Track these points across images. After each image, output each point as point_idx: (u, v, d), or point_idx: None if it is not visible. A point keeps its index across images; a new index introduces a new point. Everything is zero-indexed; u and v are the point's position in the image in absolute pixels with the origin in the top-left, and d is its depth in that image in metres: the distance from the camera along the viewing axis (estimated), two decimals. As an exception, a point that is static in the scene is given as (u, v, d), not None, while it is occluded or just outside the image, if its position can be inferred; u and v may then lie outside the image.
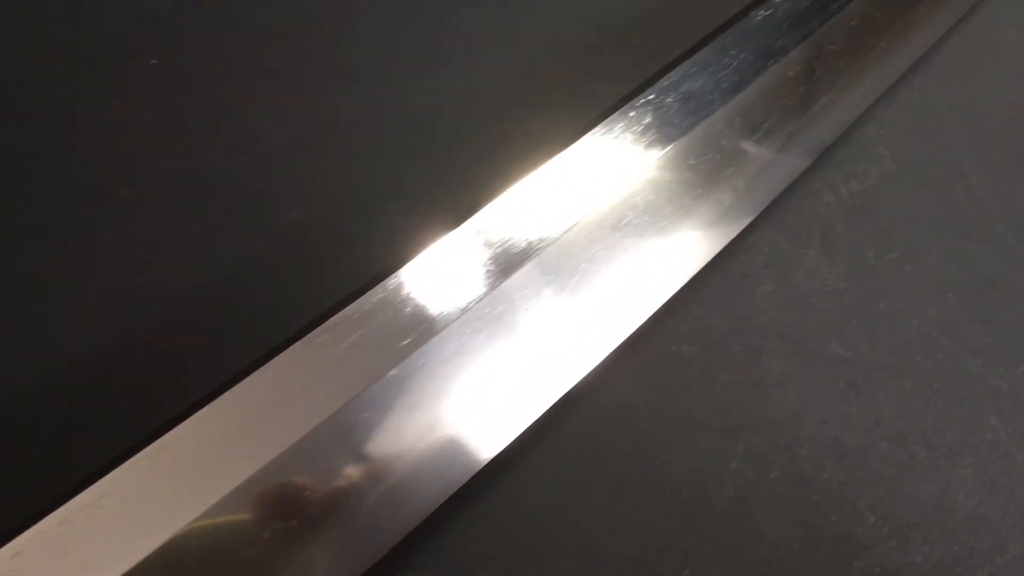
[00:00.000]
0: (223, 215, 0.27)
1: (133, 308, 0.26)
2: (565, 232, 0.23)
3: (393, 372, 0.20)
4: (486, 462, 0.22)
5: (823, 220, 0.30)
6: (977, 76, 0.34)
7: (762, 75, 0.26)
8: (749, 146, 0.26)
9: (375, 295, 0.21)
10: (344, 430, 0.20)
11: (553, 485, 0.25)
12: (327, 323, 0.20)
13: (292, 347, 0.20)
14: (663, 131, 0.24)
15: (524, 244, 0.22)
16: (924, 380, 0.27)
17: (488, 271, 0.22)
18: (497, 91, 0.31)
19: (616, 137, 0.24)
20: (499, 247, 0.22)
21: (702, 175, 0.24)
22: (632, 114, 0.24)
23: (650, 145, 0.24)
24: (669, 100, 0.25)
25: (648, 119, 0.24)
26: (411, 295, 0.21)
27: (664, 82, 0.25)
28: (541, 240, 0.22)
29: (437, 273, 0.22)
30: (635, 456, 0.25)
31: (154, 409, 0.21)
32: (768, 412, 0.26)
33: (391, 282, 0.21)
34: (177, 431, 0.19)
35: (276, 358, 0.20)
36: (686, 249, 0.26)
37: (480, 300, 0.21)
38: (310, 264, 0.27)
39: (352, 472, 0.20)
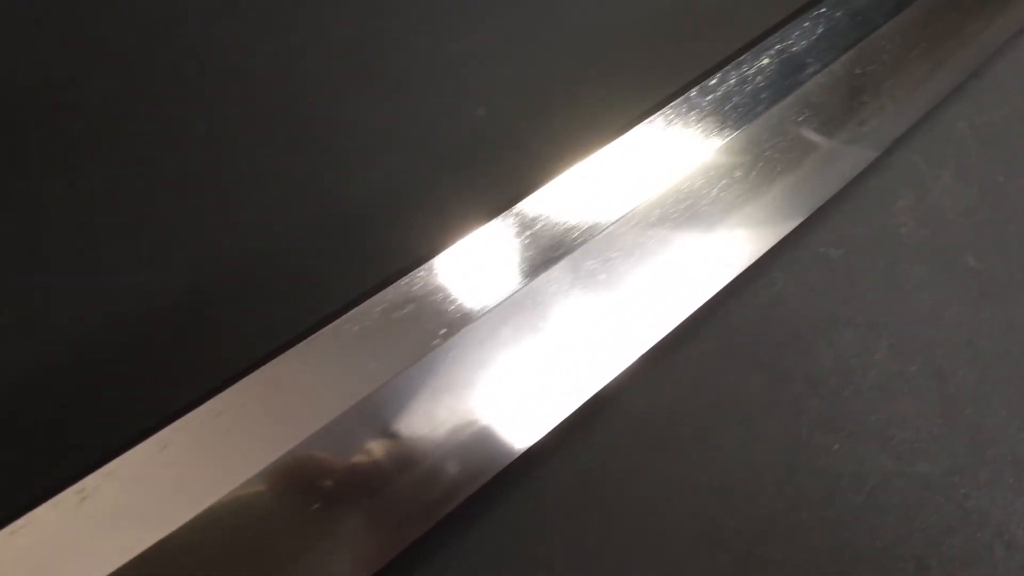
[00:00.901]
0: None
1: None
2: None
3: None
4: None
5: (957, 146, 0.31)
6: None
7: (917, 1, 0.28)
8: (904, 63, 0.28)
9: (410, 281, 0.21)
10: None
11: (706, 376, 0.27)
12: (361, 307, 0.20)
13: (323, 331, 0.20)
14: (844, 36, 0.26)
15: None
16: (1051, 294, 0.29)
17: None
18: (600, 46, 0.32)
19: (788, 46, 0.26)
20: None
21: (869, 81, 0.26)
22: (796, 33, 0.26)
23: (826, 50, 0.26)
24: (839, 14, 0.27)
25: (820, 30, 0.26)
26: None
27: (835, -2, 0.27)
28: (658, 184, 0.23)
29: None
30: (788, 344, 0.27)
31: (183, 383, 0.21)
32: (907, 313, 0.28)
33: (428, 269, 0.21)
34: (207, 407, 0.19)
35: (305, 341, 0.20)
36: (837, 158, 0.28)
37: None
38: (356, 244, 0.27)
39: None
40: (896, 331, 0.28)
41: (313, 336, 0.20)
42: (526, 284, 0.22)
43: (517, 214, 0.22)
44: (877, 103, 0.27)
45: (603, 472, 0.25)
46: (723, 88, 0.25)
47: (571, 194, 0.23)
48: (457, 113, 0.30)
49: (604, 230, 0.22)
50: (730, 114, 0.24)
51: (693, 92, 0.24)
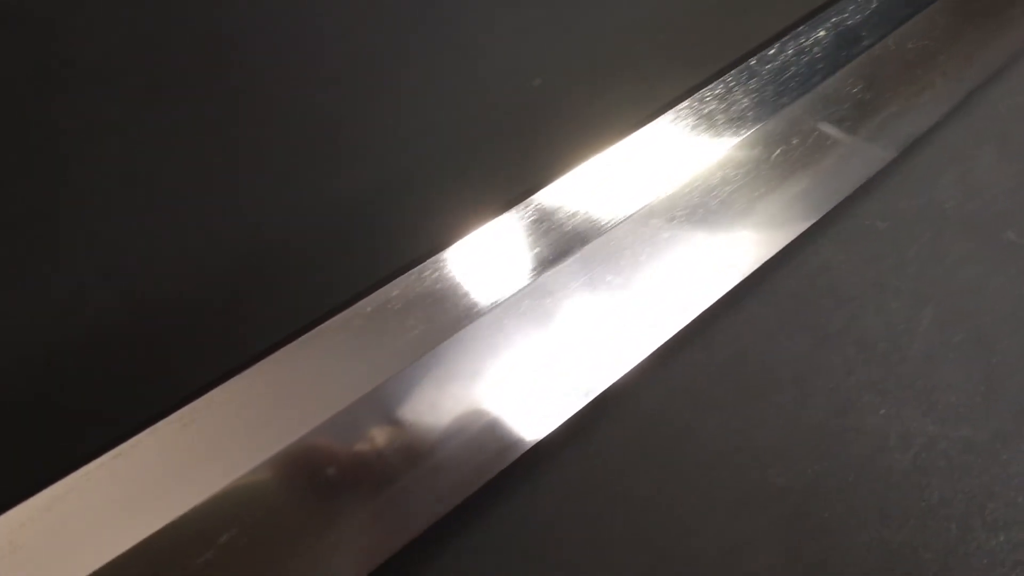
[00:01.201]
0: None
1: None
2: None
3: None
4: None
5: (1000, 125, 0.32)
6: None
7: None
8: (955, 40, 0.29)
9: (421, 273, 0.21)
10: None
11: (757, 339, 0.28)
12: (370, 297, 0.20)
13: (331, 321, 0.20)
14: (898, 10, 0.27)
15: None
16: (1092, 269, 0.30)
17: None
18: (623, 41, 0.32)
19: (844, 19, 0.27)
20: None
21: (921, 56, 0.27)
22: (852, 7, 0.27)
23: (881, 24, 0.27)
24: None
25: (875, 4, 0.27)
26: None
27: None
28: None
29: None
30: (836, 309, 0.28)
31: (191, 372, 0.21)
32: (952, 284, 0.29)
33: (439, 261, 0.21)
34: (211, 396, 0.19)
35: (313, 331, 0.20)
36: (887, 132, 0.28)
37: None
38: (367, 236, 0.27)
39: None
40: (941, 301, 0.29)
41: (321, 326, 0.20)
42: (550, 272, 0.22)
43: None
44: (928, 77, 0.28)
45: (649, 435, 0.26)
46: (781, 58, 0.25)
47: (634, 160, 0.24)
48: (477, 101, 0.30)
49: (677, 188, 0.23)
50: (788, 83, 0.25)
51: (753, 61, 0.25)
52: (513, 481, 0.24)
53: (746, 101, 0.25)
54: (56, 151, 0.28)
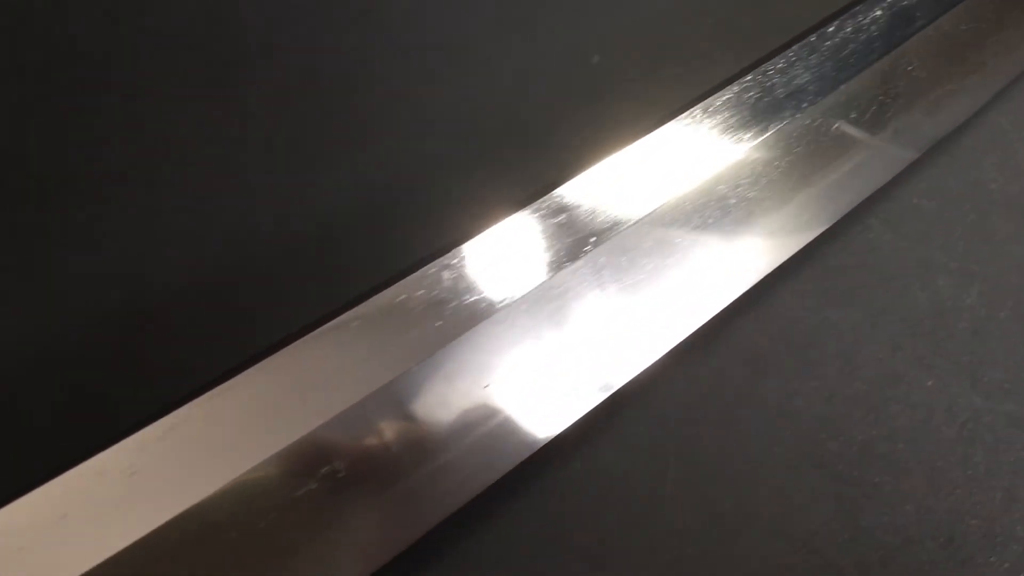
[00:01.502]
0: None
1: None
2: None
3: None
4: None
5: (1042, 110, 0.33)
6: None
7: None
8: (1006, 24, 0.29)
9: (433, 270, 0.21)
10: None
11: (807, 313, 0.28)
12: (383, 293, 0.20)
13: (343, 316, 0.20)
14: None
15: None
16: None
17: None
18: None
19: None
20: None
21: (972, 38, 0.28)
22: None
23: (935, 5, 0.27)
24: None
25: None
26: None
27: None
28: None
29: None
30: (884, 286, 0.29)
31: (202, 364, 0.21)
32: (997, 262, 0.30)
33: (452, 258, 0.21)
34: (224, 388, 0.19)
35: (324, 327, 0.20)
36: (938, 111, 0.29)
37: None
38: (381, 231, 0.27)
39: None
40: (987, 279, 0.29)
41: (334, 321, 0.20)
42: (569, 265, 0.22)
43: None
44: (979, 59, 0.28)
45: (708, 401, 0.27)
46: (840, 36, 0.26)
47: (691, 133, 0.24)
48: (495, 94, 0.30)
49: (742, 157, 0.24)
50: (847, 60, 0.26)
51: (813, 37, 0.26)
52: (524, 479, 0.23)
53: (807, 76, 0.25)
54: (57, 148, 0.27)
